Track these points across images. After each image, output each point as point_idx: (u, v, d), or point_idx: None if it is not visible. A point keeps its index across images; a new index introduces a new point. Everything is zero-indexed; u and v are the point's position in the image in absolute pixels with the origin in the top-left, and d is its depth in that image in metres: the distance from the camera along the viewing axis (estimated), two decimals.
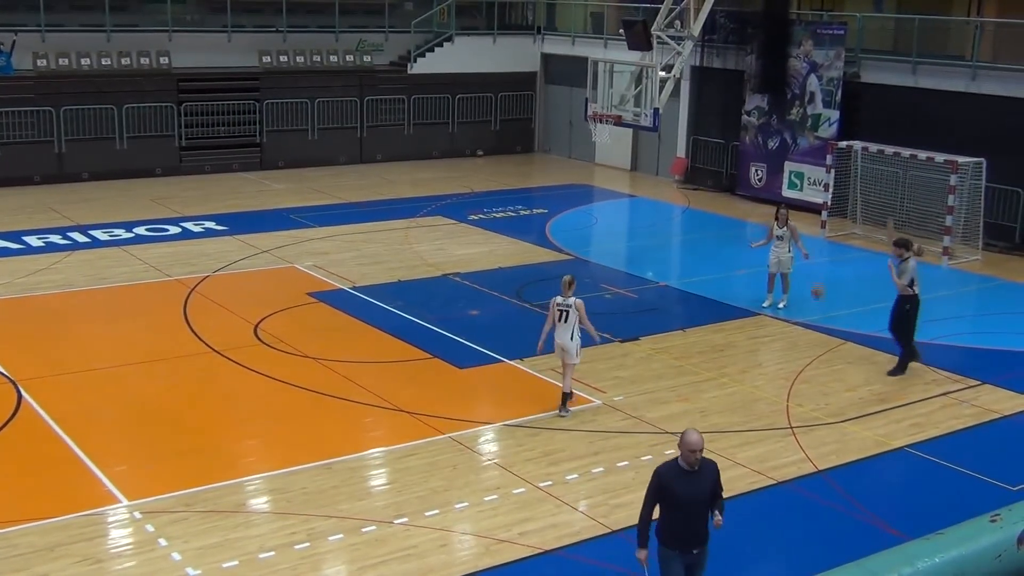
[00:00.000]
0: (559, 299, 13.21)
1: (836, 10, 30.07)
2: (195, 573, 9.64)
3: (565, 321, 13.16)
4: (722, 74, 28.47)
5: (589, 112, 23.57)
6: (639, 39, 22.87)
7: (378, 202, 26.49)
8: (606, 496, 11.26)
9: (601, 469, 11.88)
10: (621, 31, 26.06)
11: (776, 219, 17.78)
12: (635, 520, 10.64)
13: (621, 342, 16.14)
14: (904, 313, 14.93)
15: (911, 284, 14.71)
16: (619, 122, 23.12)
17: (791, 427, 13.21)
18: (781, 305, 17.93)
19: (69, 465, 11.78)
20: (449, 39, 33.06)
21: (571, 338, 13.14)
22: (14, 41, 27.28)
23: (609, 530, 10.58)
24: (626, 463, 12.04)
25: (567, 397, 13.37)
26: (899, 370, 15.10)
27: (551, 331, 13.26)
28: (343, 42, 31.94)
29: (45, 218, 23.66)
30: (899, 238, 15.31)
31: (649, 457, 12.18)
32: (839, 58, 25.25)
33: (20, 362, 14.75)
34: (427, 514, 10.78)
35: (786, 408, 13.82)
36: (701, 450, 8.12)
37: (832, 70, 25.38)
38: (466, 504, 11.05)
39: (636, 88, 23.02)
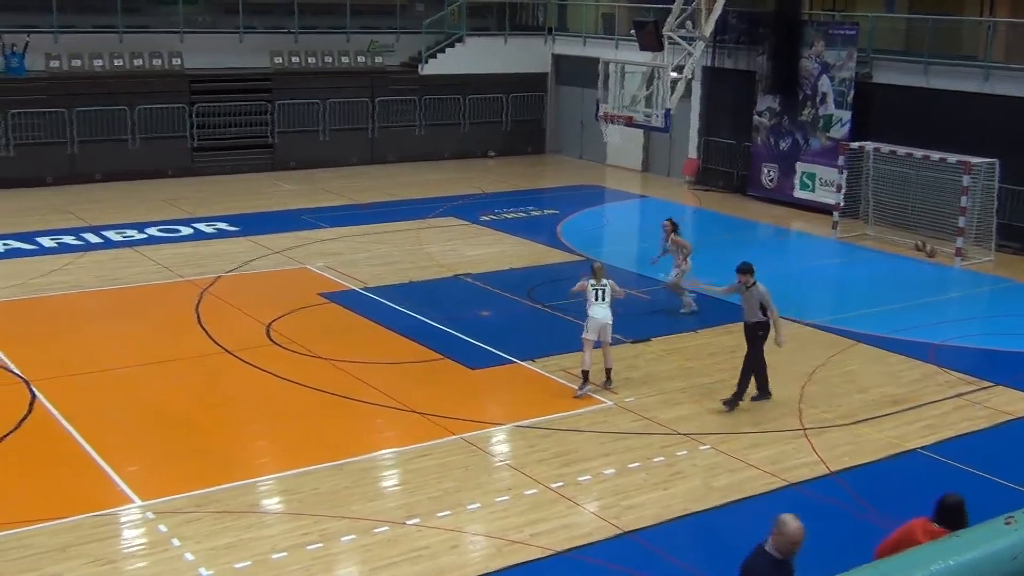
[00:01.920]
0: (592, 282, 13.95)
1: (848, 11, 30.02)
2: (208, 573, 9.66)
3: (603, 299, 13.92)
4: (733, 75, 28.45)
5: (600, 113, 23.56)
6: (650, 40, 22.86)
7: (389, 203, 26.51)
8: (618, 497, 11.25)
9: (613, 471, 11.88)
10: (632, 32, 26.03)
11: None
12: (647, 521, 10.70)
13: (633, 343, 16.12)
14: (756, 339, 13.67)
15: (762, 309, 13.51)
16: (630, 123, 23.09)
17: (803, 429, 13.19)
18: (683, 311, 17.70)
19: (82, 465, 11.81)
20: (460, 40, 33.09)
21: (611, 315, 13.98)
22: (27, 42, 27.37)
23: (620, 531, 10.57)
24: (638, 464, 12.04)
25: (611, 372, 14.28)
26: (734, 401, 13.71)
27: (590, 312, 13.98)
28: (354, 43, 31.98)
29: (58, 219, 23.73)
30: (741, 264, 13.69)
31: (661, 459, 12.18)
32: (851, 59, 25.21)
33: (33, 362, 14.80)
34: (439, 515, 10.79)
35: (798, 410, 13.79)
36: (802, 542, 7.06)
37: (844, 71, 25.33)
38: (478, 505, 11.06)
39: (647, 89, 23.00)
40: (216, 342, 15.87)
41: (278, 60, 30.59)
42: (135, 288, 18.76)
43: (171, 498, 11.00)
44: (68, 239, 21.93)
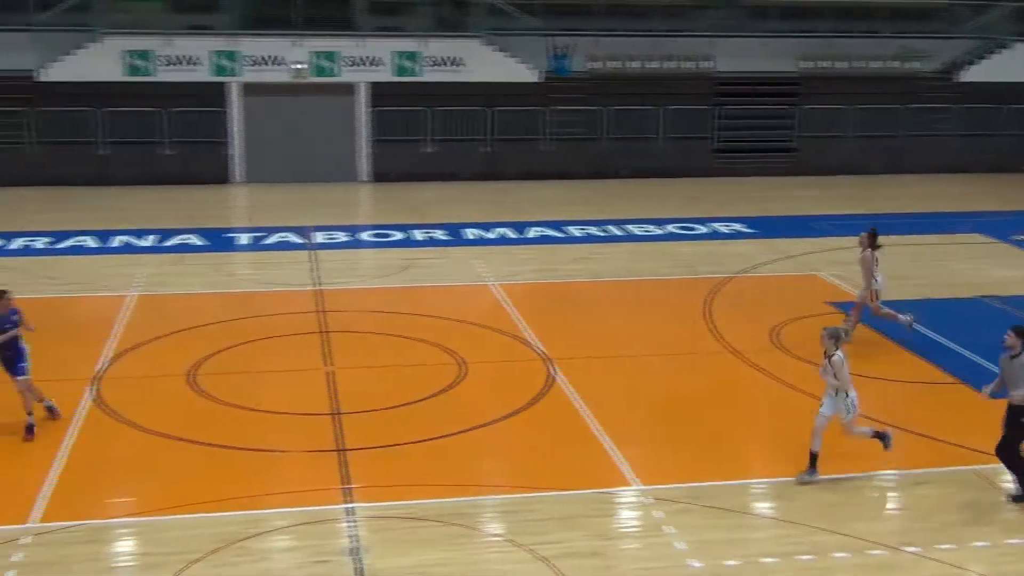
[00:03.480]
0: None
1: None
2: (697, 565, 9.83)
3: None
4: None
5: None
6: None
7: (912, 215, 25.39)
8: None
9: None
10: None
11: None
12: None
13: None
14: (1019, 424, 10.92)
15: None
16: None
17: None
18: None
19: (589, 443, 12.51)
20: (1005, 46, 30.79)
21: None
22: (575, 45, 29.45)
23: None
24: None
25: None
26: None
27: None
28: (887, 47, 30.87)
29: (585, 210, 25.35)
30: (1017, 326, 10.97)
31: None
32: None
33: (555, 342, 15.92)
34: (939, 546, 10.17)
35: None
36: None
37: None
38: (986, 543, 10.28)
39: None
40: (723, 340, 16.11)
41: (806, 64, 30.33)
42: (650, 281, 19.57)
43: (668, 486, 11.34)
44: (593, 230, 23.37)
